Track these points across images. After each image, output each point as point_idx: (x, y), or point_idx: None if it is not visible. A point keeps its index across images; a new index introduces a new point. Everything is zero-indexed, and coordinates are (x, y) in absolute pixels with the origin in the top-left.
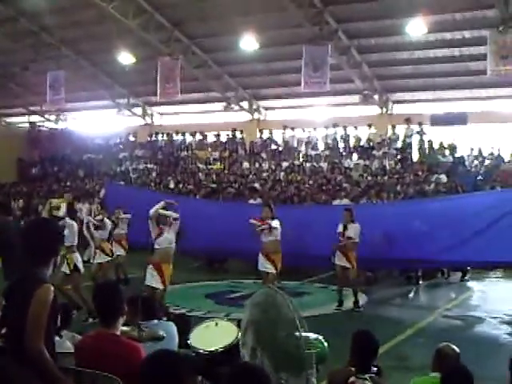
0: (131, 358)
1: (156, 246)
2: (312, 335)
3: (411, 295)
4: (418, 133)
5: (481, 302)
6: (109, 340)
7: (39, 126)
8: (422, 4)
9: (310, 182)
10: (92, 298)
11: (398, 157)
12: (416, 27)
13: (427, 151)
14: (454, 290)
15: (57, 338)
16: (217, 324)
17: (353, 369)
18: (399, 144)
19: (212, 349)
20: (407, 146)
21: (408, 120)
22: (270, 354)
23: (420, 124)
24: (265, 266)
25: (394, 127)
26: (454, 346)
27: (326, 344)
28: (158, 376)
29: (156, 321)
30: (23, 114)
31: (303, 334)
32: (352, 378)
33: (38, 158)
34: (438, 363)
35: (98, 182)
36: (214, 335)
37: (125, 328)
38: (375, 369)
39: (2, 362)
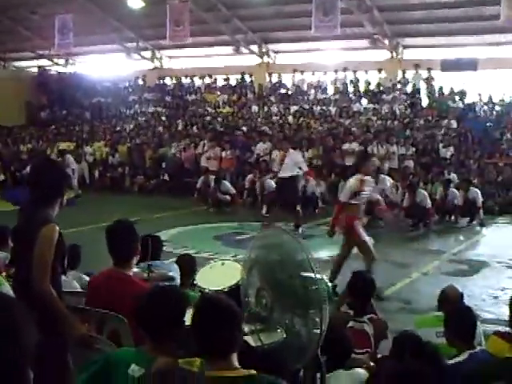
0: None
1: None
2: (317, 275)
3: (418, 239)
4: (426, 79)
5: (487, 246)
6: (121, 280)
7: (48, 69)
8: None
9: (320, 126)
10: (106, 237)
11: (408, 102)
12: None
13: (437, 97)
14: (461, 235)
15: (64, 278)
16: (223, 264)
17: (351, 312)
18: (409, 89)
19: (218, 288)
20: (417, 92)
21: (417, 66)
22: (276, 294)
23: (429, 70)
24: None
25: (404, 72)
26: (458, 288)
27: (329, 284)
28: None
29: (160, 261)
30: (32, 58)
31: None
32: (351, 323)
33: (46, 101)
34: (442, 304)
35: (106, 126)
36: (220, 275)
37: (135, 269)
38: (373, 315)
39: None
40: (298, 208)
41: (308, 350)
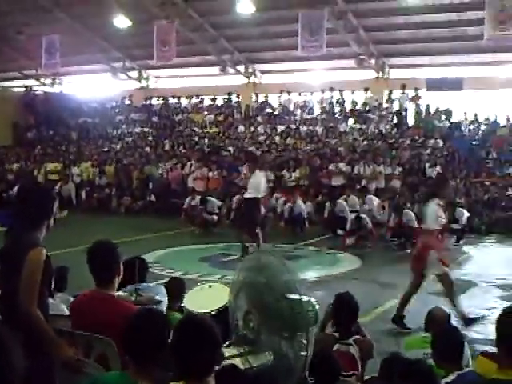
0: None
1: None
2: (304, 298)
3: (405, 259)
4: (412, 98)
5: (474, 266)
6: (104, 300)
7: (35, 89)
8: None
9: (307, 146)
10: (87, 258)
11: (395, 121)
12: None
13: (423, 116)
14: (448, 255)
15: (51, 301)
16: (211, 286)
17: (336, 334)
18: (396, 108)
19: (205, 311)
20: (403, 111)
21: (404, 86)
22: (263, 317)
23: (416, 89)
24: None
25: (390, 92)
26: (445, 308)
27: (317, 307)
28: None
29: (146, 284)
30: (18, 79)
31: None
32: (336, 346)
33: (33, 121)
34: (429, 324)
35: (93, 146)
36: (207, 297)
37: (121, 293)
38: (358, 336)
39: None
40: (258, 230)
41: (295, 371)
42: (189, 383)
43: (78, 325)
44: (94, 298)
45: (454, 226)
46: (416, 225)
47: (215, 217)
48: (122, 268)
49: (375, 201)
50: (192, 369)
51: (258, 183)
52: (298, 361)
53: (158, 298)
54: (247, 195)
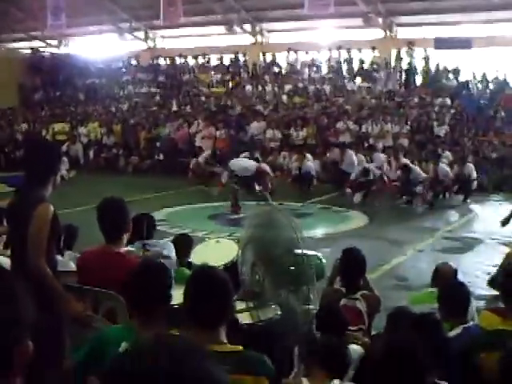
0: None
1: None
2: (310, 252)
3: (412, 217)
4: (423, 58)
5: (481, 224)
6: (113, 256)
7: (41, 51)
8: None
9: (314, 105)
10: (97, 215)
11: (403, 79)
12: None
13: (432, 75)
14: (456, 213)
15: (60, 258)
16: (218, 241)
17: (343, 289)
18: (404, 66)
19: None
20: (412, 69)
21: (411, 43)
22: (269, 271)
23: (425, 49)
24: None
25: (398, 51)
26: (452, 264)
27: (324, 260)
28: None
29: (155, 240)
30: (24, 40)
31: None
32: (343, 300)
33: (39, 83)
34: (435, 280)
35: (100, 107)
36: (215, 252)
37: (129, 248)
38: (365, 291)
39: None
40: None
41: (301, 324)
42: (201, 332)
43: (86, 281)
44: (103, 254)
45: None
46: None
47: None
48: (131, 225)
49: (383, 158)
50: (205, 318)
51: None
52: (303, 314)
53: (165, 253)
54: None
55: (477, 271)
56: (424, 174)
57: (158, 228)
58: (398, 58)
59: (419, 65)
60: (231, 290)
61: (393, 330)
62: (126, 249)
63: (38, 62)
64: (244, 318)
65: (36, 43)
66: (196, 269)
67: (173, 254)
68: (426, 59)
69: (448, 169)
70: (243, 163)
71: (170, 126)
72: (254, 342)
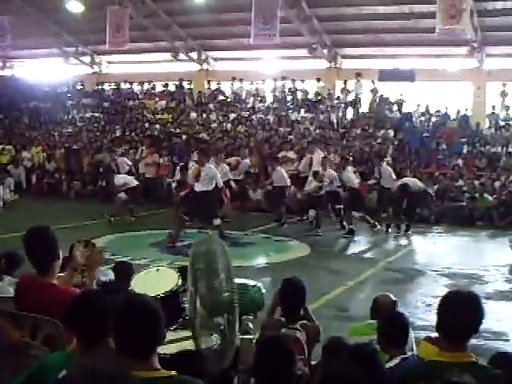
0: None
1: None
2: (250, 282)
3: (354, 247)
4: (371, 90)
5: (422, 255)
6: (42, 289)
7: None
8: None
9: (258, 134)
10: (24, 246)
11: (348, 111)
12: None
13: (375, 106)
14: (397, 244)
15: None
16: (158, 270)
17: (283, 319)
18: (350, 98)
19: (153, 294)
20: (358, 101)
21: (359, 74)
22: (204, 300)
23: (373, 81)
24: None
25: (345, 82)
26: (391, 295)
27: (263, 291)
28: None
29: None
30: None
31: (237, 280)
32: (283, 330)
33: None
34: (374, 311)
35: (43, 131)
36: (155, 281)
37: (64, 274)
38: (305, 321)
39: None
40: (217, 222)
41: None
42: (133, 361)
43: (21, 308)
44: (33, 286)
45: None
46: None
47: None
48: (59, 252)
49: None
50: (136, 347)
51: (211, 176)
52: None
53: (103, 279)
54: (199, 188)
55: (417, 302)
56: None
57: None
58: (345, 90)
59: (365, 96)
60: (162, 319)
61: (328, 360)
62: (60, 274)
63: None
64: (186, 346)
65: None
66: (126, 298)
67: (112, 278)
68: (374, 91)
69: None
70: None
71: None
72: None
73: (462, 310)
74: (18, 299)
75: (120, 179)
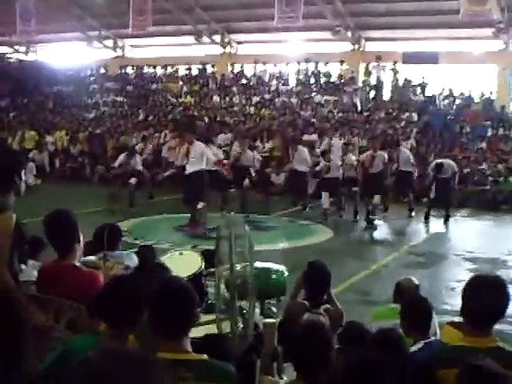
0: (91, 286)
1: None
2: (274, 266)
3: (378, 231)
4: (391, 69)
5: (446, 239)
6: (65, 271)
7: (9, 57)
8: None
9: (281, 117)
10: (44, 230)
11: (371, 94)
12: None
13: (400, 89)
14: (421, 227)
15: (23, 267)
16: (181, 253)
17: (306, 303)
18: (372, 81)
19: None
20: (380, 84)
21: (379, 58)
22: (228, 283)
23: (394, 62)
24: None
25: (367, 64)
26: (414, 279)
27: (286, 274)
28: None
29: (118, 251)
30: None
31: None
32: (306, 315)
33: (7, 89)
34: (397, 295)
35: (67, 115)
36: (178, 265)
37: (90, 257)
38: (328, 305)
39: None
40: (200, 206)
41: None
42: (166, 341)
43: (44, 293)
44: (55, 270)
45: (424, 199)
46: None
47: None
48: (80, 235)
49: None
50: (169, 329)
51: (201, 153)
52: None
53: (126, 263)
54: (190, 169)
55: (440, 286)
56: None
57: (123, 239)
58: (367, 73)
59: (387, 79)
60: (195, 301)
61: (348, 346)
62: (86, 258)
63: (5, 68)
64: (210, 330)
65: (4, 49)
66: (161, 279)
67: (133, 265)
68: (395, 72)
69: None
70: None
71: (136, 135)
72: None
73: (487, 294)
74: (41, 283)
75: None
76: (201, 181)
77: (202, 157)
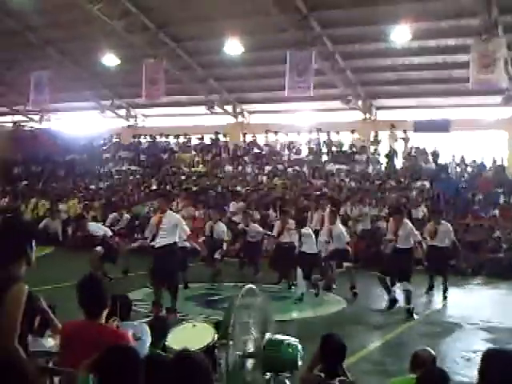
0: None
1: None
2: (287, 339)
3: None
4: (403, 138)
5: (460, 308)
6: (95, 328)
7: (22, 125)
8: (407, 11)
9: (293, 187)
10: (77, 291)
11: (383, 163)
12: (400, 34)
13: (409, 157)
14: (434, 297)
15: (39, 338)
16: (194, 325)
17: (322, 374)
18: (384, 150)
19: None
20: (392, 152)
21: (393, 126)
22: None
23: (405, 131)
24: None
25: (376, 133)
26: (431, 350)
27: (299, 348)
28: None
29: (130, 322)
30: (6, 114)
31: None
32: None
33: (20, 157)
34: (414, 366)
35: (80, 183)
36: (191, 336)
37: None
38: (343, 378)
39: None
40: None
41: None
42: None
43: (68, 353)
44: (83, 328)
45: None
46: None
47: None
48: (109, 301)
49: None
50: None
51: (174, 224)
52: None
53: (138, 334)
54: (158, 243)
55: (456, 357)
56: None
57: (136, 308)
58: (376, 141)
59: (399, 147)
60: (211, 375)
61: None
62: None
63: (19, 136)
64: None
65: (18, 117)
66: (178, 353)
67: (146, 336)
68: (406, 141)
69: None
70: None
71: (149, 205)
72: None
73: (505, 370)
74: (70, 341)
75: (97, 229)
76: (172, 256)
77: (174, 229)
